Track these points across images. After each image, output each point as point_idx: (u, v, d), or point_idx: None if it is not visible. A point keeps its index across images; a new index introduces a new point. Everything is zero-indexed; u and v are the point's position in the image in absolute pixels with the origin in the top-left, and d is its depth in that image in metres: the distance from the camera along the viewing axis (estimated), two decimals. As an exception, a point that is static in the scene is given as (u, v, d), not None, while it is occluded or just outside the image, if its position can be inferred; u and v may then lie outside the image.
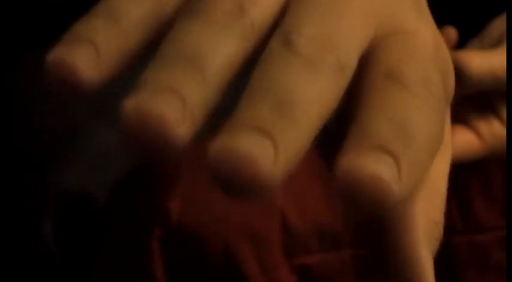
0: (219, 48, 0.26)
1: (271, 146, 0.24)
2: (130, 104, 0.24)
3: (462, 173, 0.59)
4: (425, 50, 0.29)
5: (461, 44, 0.58)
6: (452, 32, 0.58)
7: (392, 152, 0.25)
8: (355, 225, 0.58)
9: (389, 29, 0.29)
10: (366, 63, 0.28)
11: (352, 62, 0.27)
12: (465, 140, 0.54)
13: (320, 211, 0.57)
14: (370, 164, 0.24)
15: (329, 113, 0.26)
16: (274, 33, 0.27)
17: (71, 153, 0.63)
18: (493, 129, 0.54)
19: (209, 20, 0.27)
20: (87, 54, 0.27)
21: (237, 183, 0.24)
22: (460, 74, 0.52)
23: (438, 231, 0.30)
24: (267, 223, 0.56)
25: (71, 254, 0.68)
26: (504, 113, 0.54)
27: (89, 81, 0.26)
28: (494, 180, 0.60)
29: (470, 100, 0.55)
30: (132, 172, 0.63)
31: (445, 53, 0.29)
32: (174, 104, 0.25)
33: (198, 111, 0.25)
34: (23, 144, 0.63)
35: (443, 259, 0.61)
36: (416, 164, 0.25)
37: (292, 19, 0.27)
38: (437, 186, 0.30)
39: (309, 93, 0.25)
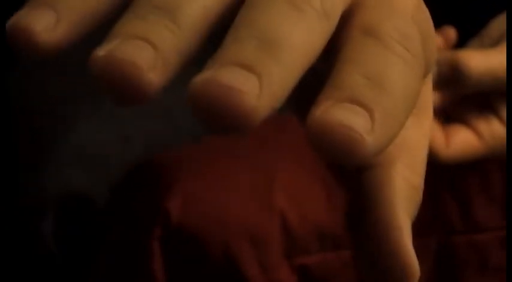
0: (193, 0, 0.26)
1: (256, 80, 0.24)
2: (100, 51, 0.24)
3: (462, 173, 0.59)
4: (405, 9, 0.28)
5: (461, 43, 0.58)
6: (451, 32, 0.58)
7: (366, 104, 0.25)
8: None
9: None
10: (345, 19, 0.28)
11: (336, 11, 0.27)
12: (465, 140, 0.54)
13: (320, 212, 0.57)
14: (341, 114, 0.24)
15: (314, 56, 0.26)
16: None
17: (67, 152, 0.63)
18: (492, 128, 0.54)
19: None
20: (46, 18, 0.27)
21: (219, 114, 0.23)
22: (460, 74, 0.52)
23: (417, 195, 0.30)
24: (267, 224, 0.56)
25: (71, 254, 0.68)
26: (503, 113, 0.54)
27: (46, 44, 0.26)
28: (494, 180, 0.60)
29: (470, 100, 0.55)
30: (132, 172, 0.63)
31: (426, 15, 0.29)
32: (145, 50, 0.24)
33: (171, 58, 0.25)
34: (22, 144, 0.63)
35: (443, 259, 0.61)
36: (390, 117, 0.25)
37: None
38: (417, 151, 0.30)
39: (294, 33, 0.25)
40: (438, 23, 0.58)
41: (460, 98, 0.56)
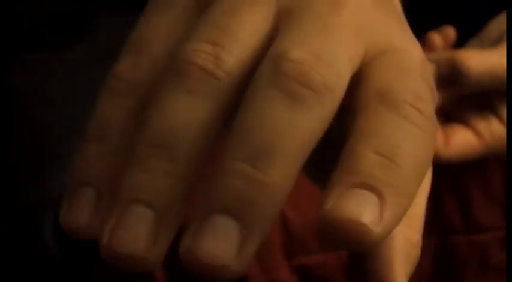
0: (189, 126, 0.27)
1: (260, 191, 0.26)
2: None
3: (462, 173, 0.59)
4: (416, 67, 0.29)
5: (460, 43, 0.58)
6: (451, 32, 0.58)
7: (377, 189, 0.26)
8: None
9: (379, 47, 0.29)
10: (357, 81, 0.29)
11: (342, 81, 0.27)
12: (464, 139, 0.54)
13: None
14: (350, 207, 0.25)
15: (314, 141, 0.27)
16: (263, 59, 0.28)
17: (67, 152, 0.63)
18: (492, 128, 0.54)
19: (183, 87, 0.27)
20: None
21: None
22: (459, 73, 0.52)
23: (416, 252, 0.31)
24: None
25: (71, 254, 0.68)
26: (503, 112, 0.54)
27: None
28: (494, 180, 0.60)
29: (470, 100, 0.55)
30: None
31: (430, 71, 0.30)
32: (141, 223, 0.26)
33: (170, 218, 0.27)
34: (22, 144, 0.63)
35: (443, 259, 0.61)
36: (402, 194, 0.26)
37: (280, 43, 0.28)
38: (416, 207, 0.31)
39: (289, 131, 0.26)
40: (438, 23, 0.59)
41: (459, 98, 0.56)
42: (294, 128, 0.26)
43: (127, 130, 0.29)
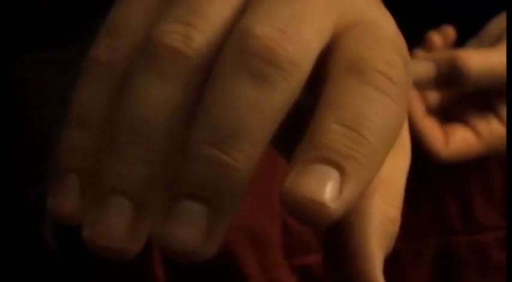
0: (160, 112, 0.27)
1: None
2: None
3: (462, 173, 0.60)
4: (388, 38, 0.29)
5: (460, 43, 0.58)
6: (450, 31, 0.58)
7: (339, 164, 0.25)
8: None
9: (350, 18, 0.29)
10: (329, 52, 0.28)
11: (310, 55, 0.27)
12: (464, 139, 0.54)
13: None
14: (308, 185, 0.25)
15: (279, 118, 0.27)
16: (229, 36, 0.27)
17: None
18: (491, 127, 0.54)
19: (153, 69, 0.27)
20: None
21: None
22: (459, 73, 0.52)
23: (393, 228, 0.30)
24: (267, 223, 0.56)
25: (71, 254, 0.68)
26: (502, 112, 0.54)
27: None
28: (494, 180, 0.60)
29: (469, 99, 0.55)
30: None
31: (404, 44, 0.30)
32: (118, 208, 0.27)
33: (148, 206, 0.27)
34: (22, 144, 0.63)
35: (443, 259, 0.61)
36: (366, 167, 0.26)
37: (245, 19, 0.27)
38: (395, 183, 0.31)
39: (254, 111, 0.26)
40: (438, 23, 0.59)
41: (459, 97, 0.56)
42: (259, 107, 0.26)
43: (106, 114, 0.29)
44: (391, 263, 0.61)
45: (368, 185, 0.26)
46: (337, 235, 0.30)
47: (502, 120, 0.54)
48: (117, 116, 0.28)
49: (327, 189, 0.25)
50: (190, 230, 0.26)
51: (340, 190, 0.25)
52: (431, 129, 0.53)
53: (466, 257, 0.61)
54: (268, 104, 0.26)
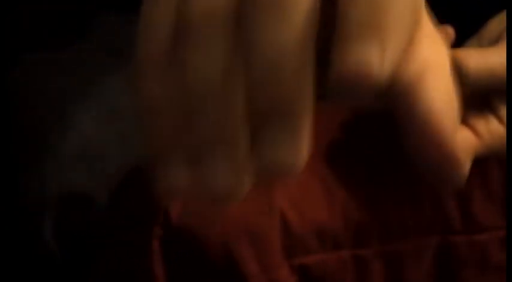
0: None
1: None
2: None
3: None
4: None
5: (459, 43, 0.58)
6: (450, 31, 0.58)
7: (374, 35, 0.28)
8: (355, 226, 0.58)
9: None
10: None
11: None
12: (463, 139, 0.54)
13: (320, 211, 0.57)
14: (354, 55, 0.28)
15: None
16: None
17: (66, 151, 0.63)
18: (490, 127, 0.54)
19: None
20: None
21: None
22: (457, 73, 0.52)
23: (454, 102, 0.34)
24: (266, 223, 0.56)
25: (71, 254, 0.68)
26: (502, 112, 0.54)
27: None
28: (494, 180, 0.60)
29: (468, 99, 0.55)
30: (132, 172, 0.63)
31: None
32: None
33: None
34: (22, 144, 0.63)
35: (443, 259, 0.61)
36: (399, 33, 0.29)
37: None
38: (440, 69, 0.35)
39: None
40: (438, 23, 0.58)
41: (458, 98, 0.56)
42: None
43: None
44: (391, 263, 0.61)
45: (400, 52, 0.29)
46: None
47: (502, 121, 0.54)
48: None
49: (369, 56, 0.28)
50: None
51: (381, 58, 0.28)
52: None
53: (466, 256, 0.61)
54: None
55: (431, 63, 0.35)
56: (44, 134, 0.63)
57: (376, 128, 0.60)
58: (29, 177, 0.63)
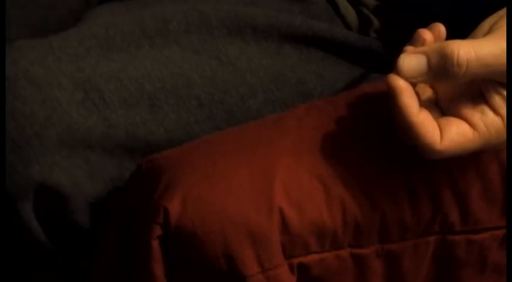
0: None
1: None
2: None
3: (461, 172, 0.60)
4: None
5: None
6: (441, 28, 0.58)
7: None
8: (354, 225, 0.59)
9: None
10: None
11: None
12: (459, 132, 0.54)
13: (320, 211, 0.58)
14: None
15: None
16: None
17: (52, 137, 0.62)
18: (486, 119, 0.54)
19: None
20: None
21: None
22: (449, 63, 0.52)
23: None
24: (266, 223, 0.56)
25: (71, 253, 0.68)
26: (495, 101, 0.54)
27: None
28: (493, 180, 0.60)
29: (462, 92, 0.55)
30: (132, 171, 0.62)
31: None
32: None
33: None
34: (12, 134, 0.62)
35: (442, 258, 0.62)
36: None
37: None
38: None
39: None
40: (433, 22, 0.59)
41: (452, 90, 0.56)
42: None
43: None
44: (390, 262, 0.61)
45: None
46: None
47: (496, 111, 0.54)
48: None
49: None
50: None
51: None
52: (426, 124, 0.53)
53: (465, 256, 0.62)
54: None
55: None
56: (30, 118, 0.62)
57: (375, 128, 0.60)
58: (15, 160, 0.62)
